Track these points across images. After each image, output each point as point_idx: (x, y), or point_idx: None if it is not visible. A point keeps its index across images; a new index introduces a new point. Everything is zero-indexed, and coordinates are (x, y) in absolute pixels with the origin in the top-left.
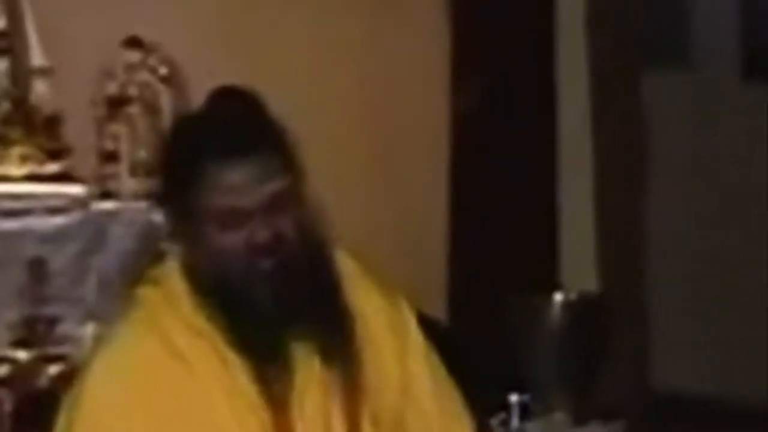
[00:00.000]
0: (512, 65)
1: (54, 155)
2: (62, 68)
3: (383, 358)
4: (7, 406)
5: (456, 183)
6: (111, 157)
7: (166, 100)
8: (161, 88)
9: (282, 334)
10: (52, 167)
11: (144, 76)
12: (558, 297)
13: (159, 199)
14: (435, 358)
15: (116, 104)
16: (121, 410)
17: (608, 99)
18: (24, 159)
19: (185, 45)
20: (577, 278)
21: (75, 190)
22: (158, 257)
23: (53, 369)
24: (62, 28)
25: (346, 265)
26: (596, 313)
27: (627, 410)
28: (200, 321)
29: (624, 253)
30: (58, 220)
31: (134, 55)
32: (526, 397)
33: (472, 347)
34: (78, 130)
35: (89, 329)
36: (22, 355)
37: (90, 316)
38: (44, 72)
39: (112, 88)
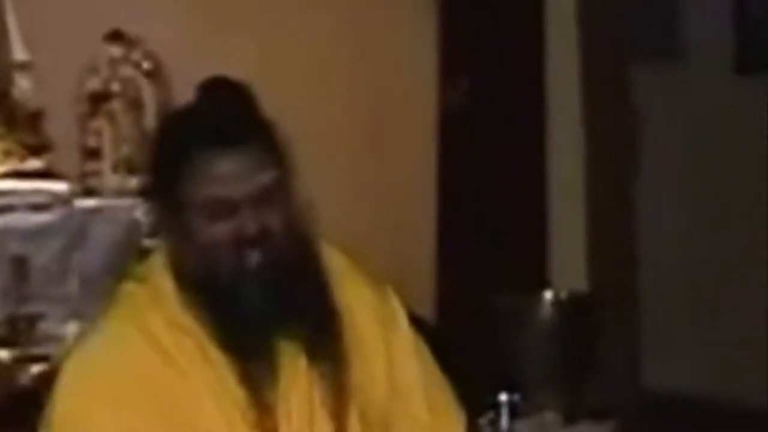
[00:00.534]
0: (502, 60)
1: (36, 151)
2: (44, 63)
3: (370, 354)
4: None
5: (445, 181)
6: (93, 153)
7: (149, 96)
8: (145, 83)
9: (268, 333)
10: (34, 164)
11: (127, 71)
12: (548, 295)
13: (146, 193)
14: (424, 351)
15: (99, 100)
16: (103, 405)
17: (599, 94)
18: (5, 155)
19: (169, 39)
20: (567, 276)
21: (57, 187)
22: (142, 254)
23: (35, 368)
24: (44, 22)
25: (333, 260)
26: (586, 311)
27: (618, 409)
28: (186, 319)
29: (615, 250)
30: (40, 218)
31: (117, 50)
32: (515, 397)
33: (461, 346)
34: (60, 126)
35: (72, 328)
36: (3, 354)
37: (72, 314)
38: (26, 67)
39: (95, 84)
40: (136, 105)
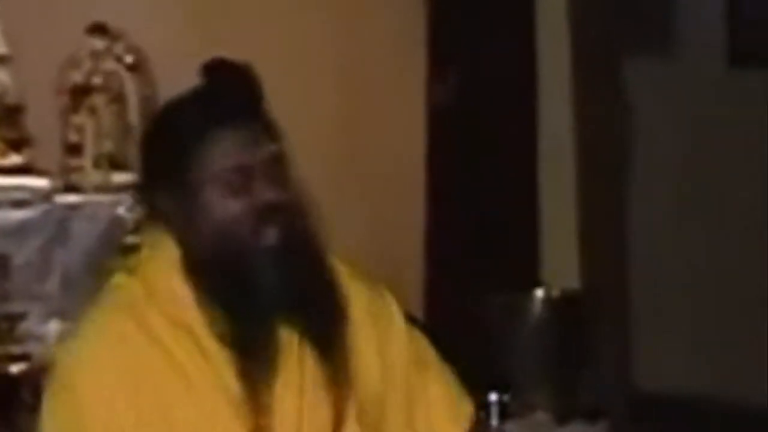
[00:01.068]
0: (492, 55)
1: (16, 146)
2: (24, 56)
3: (365, 346)
4: None
5: (433, 178)
6: (75, 148)
7: (132, 90)
8: (127, 77)
9: (273, 320)
10: (14, 159)
11: (109, 64)
12: (539, 294)
13: (151, 179)
14: (421, 344)
15: (81, 94)
16: (102, 400)
17: (590, 90)
18: None
19: (152, 32)
20: (559, 275)
21: (38, 183)
22: (128, 250)
23: (16, 367)
24: (24, 13)
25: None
26: (578, 310)
27: (610, 409)
28: (183, 312)
29: (607, 249)
30: (21, 214)
31: (99, 43)
32: (505, 397)
33: (451, 346)
34: (41, 121)
35: (53, 326)
36: None
37: (54, 313)
38: (5, 60)
39: (77, 77)
40: (118, 99)
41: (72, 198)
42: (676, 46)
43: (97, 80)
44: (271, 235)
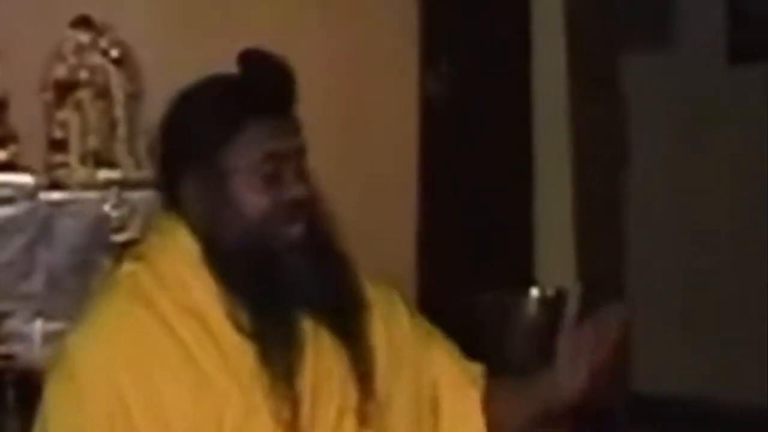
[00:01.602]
0: (486, 47)
1: (0, 143)
2: (8, 49)
3: (374, 332)
4: None
5: (426, 173)
6: (60, 144)
7: (118, 85)
8: (113, 71)
9: (297, 317)
10: None
11: (95, 58)
12: (534, 293)
13: (176, 163)
14: (424, 323)
15: (65, 88)
16: (105, 380)
17: (587, 84)
18: None
19: (139, 26)
20: (555, 273)
21: (22, 179)
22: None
23: None
24: (7, 5)
25: None
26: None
27: (607, 410)
28: (194, 301)
29: (604, 246)
30: (4, 212)
31: (84, 36)
32: None
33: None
34: (25, 116)
35: (37, 326)
36: None
37: (38, 312)
38: None
39: (61, 72)
40: (104, 94)
41: (57, 195)
42: (675, 41)
43: (82, 75)
44: (296, 231)
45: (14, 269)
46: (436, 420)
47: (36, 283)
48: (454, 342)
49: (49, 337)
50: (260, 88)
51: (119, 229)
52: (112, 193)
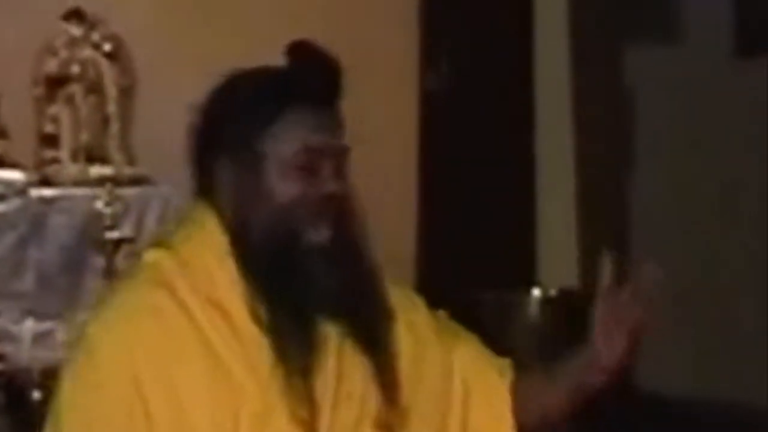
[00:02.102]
0: (487, 43)
1: None
2: None
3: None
4: None
5: (426, 171)
6: (51, 140)
7: (110, 80)
8: (106, 66)
9: (316, 318)
10: None
11: (87, 52)
12: (536, 293)
13: (214, 147)
14: (445, 320)
15: (57, 83)
16: (123, 364)
17: (590, 79)
18: None
19: (132, 19)
20: (558, 272)
21: (12, 175)
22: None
23: None
24: None
25: None
26: (577, 309)
27: (608, 409)
28: (220, 292)
29: (607, 245)
30: None
31: (76, 30)
32: None
33: None
34: (15, 111)
35: (28, 325)
36: None
37: (28, 311)
38: None
39: (53, 66)
40: (96, 89)
41: (48, 192)
42: (680, 33)
43: (74, 69)
44: (324, 235)
45: (4, 267)
46: (465, 422)
47: (26, 281)
48: None
49: (39, 338)
50: (306, 77)
51: (111, 227)
52: (105, 190)
